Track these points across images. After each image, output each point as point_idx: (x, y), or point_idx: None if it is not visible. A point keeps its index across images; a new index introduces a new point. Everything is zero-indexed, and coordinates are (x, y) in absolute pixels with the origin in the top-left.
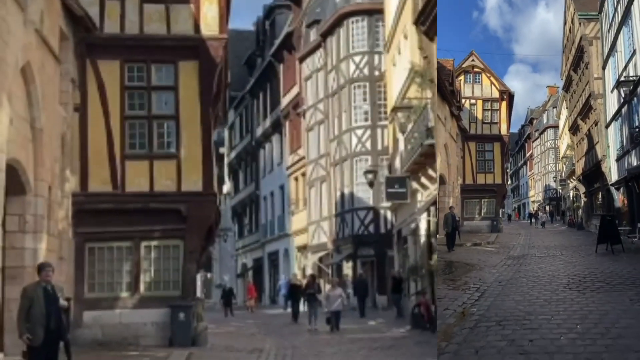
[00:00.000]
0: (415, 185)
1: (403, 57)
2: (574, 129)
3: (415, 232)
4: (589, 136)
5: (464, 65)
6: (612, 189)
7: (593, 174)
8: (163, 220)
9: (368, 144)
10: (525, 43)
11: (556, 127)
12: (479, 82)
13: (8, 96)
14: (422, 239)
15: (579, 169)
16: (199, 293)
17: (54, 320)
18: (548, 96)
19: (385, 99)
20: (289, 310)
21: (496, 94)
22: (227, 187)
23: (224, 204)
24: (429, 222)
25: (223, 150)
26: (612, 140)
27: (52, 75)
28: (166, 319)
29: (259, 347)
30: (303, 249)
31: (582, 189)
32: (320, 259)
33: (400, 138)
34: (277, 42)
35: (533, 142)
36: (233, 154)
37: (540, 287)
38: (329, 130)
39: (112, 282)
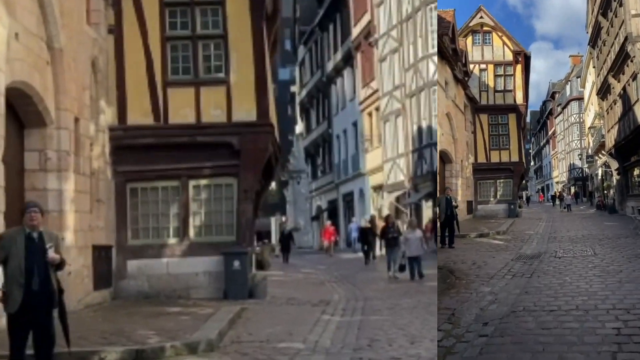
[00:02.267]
0: None
1: None
2: (603, 91)
3: None
4: (625, 96)
5: (471, 24)
6: None
7: (630, 145)
8: (213, 156)
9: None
10: (546, 19)
11: (581, 99)
12: (489, 43)
13: (6, 3)
14: None
15: (611, 140)
16: (273, 239)
17: (37, 278)
18: (571, 67)
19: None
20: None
21: (509, 57)
22: (299, 127)
23: (296, 145)
24: None
25: (294, 88)
26: None
27: None
28: (220, 267)
29: (326, 298)
30: (379, 188)
31: (613, 165)
32: (397, 199)
33: None
34: None
35: (555, 117)
36: (304, 92)
37: (561, 342)
38: (403, 59)
39: (157, 227)
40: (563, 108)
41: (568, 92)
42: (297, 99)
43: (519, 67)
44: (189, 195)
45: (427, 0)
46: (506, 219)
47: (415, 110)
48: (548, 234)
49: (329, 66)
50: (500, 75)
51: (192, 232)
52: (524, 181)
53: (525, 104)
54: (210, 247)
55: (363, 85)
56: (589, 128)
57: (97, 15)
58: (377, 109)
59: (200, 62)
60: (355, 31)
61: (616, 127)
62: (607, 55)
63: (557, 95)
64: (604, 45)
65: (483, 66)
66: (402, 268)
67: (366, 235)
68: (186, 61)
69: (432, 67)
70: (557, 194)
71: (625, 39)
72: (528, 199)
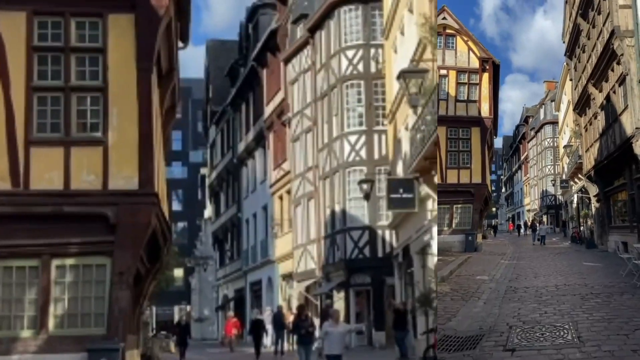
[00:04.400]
0: (426, 189)
1: (407, 36)
2: (581, 105)
3: (425, 250)
4: (608, 106)
5: None
6: None
7: (613, 165)
8: (83, 230)
9: (363, 152)
10: (523, 52)
11: (555, 122)
12: (452, 47)
13: None
14: (434, 258)
15: (589, 161)
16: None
17: None
18: (546, 92)
19: (383, 100)
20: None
21: (475, 63)
22: (208, 211)
23: (204, 229)
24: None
25: (204, 171)
26: None
27: None
28: None
29: None
30: (288, 277)
31: (592, 191)
32: (307, 289)
33: (404, 135)
34: (260, 43)
35: (528, 142)
36: (214, 175)
37: None
38: (317, 138)
39: (9, 316)
40: (536, 132)
41: (542, 116)
42: (207, 182)
43: (485, 76)
44: (50, 277)
45: (344, 77)
46: (460, 254)
47: (328, 192)
48: (507, 281)
49: (240, 147)
50: (463, 83)
51: (51, 323)
52: (494, 209)
53: (491, 117)
54: (73, 341)
55: (274, 167)
56: (564, 147)
57: None
58: (289, 191)
59: (72, 117)
60: (268, 110)
61: (596, 145)
62: (588, 62)
63: (530, 119)
64: (583, 51)
65: (443, 72)
66: None
67: (257, 329)
68: (56, 116)
69: (347, 147)
70: (529, 222)
71: (612, 34)
72: (495, 228)
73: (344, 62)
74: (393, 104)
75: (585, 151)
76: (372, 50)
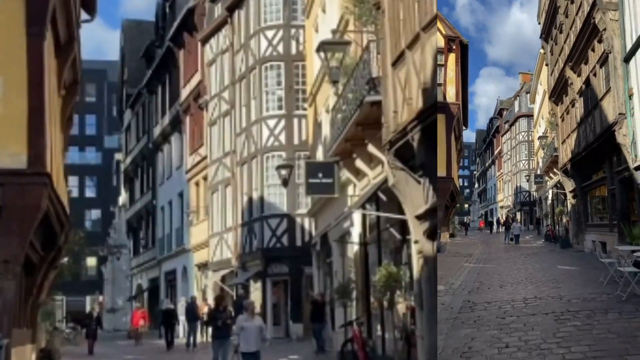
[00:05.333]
0: (346, 173)
1: (328, 13)
2: (557, 92)
3: (344, 238)
4: (587, 91)
5: None
6: None
7: (591, 158)
8: None
9: (282, 137)
10: (498, 45)
11: (530, 115)
12: None
13: None
14: (355, 247)
15: (566, 154)
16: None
17: None
18: (521, 84)
19: (304, 83)
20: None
21: (440, 42)
22: (122, 198)
23: (118, 217)
24: (365, 223)
25: (119, 156)
26: (638, 82)
27: None
28: None
29: None
30: (204, 266)
31: (568, 186)
32: (223, 279)
33: (325, 119)
34: (176, 23)
35: (502, 136)
36: (129, 160)
37: None
38: (235, 122)
39: None
40: (511, 125)
41: (517, 108)
42: (122, 167)
43: (452, 57)
44: None
45: (263, 59)
46: None
47: (246, 179)
48: (466, 293)
49: (156, 131)
50: None
51: None
52: (466, 205)
53: (458, 103)
54: None
55: (191, 152)
56: (539, 138)
57: None
58: (205, 178)
59: None
60: (185, 92)
61: (573, 136)
62: (565, 42)
63: (504, 112)
64: (560, 32)
65: None
66: None
67: (169, 320)
68: None
69: (265, 132)
70: (502, 220)
71: (592, 6)
72: (466, 225)
73: (264, 43)
74: (313, 86)
75: (562, 143)
76: (293, 31)
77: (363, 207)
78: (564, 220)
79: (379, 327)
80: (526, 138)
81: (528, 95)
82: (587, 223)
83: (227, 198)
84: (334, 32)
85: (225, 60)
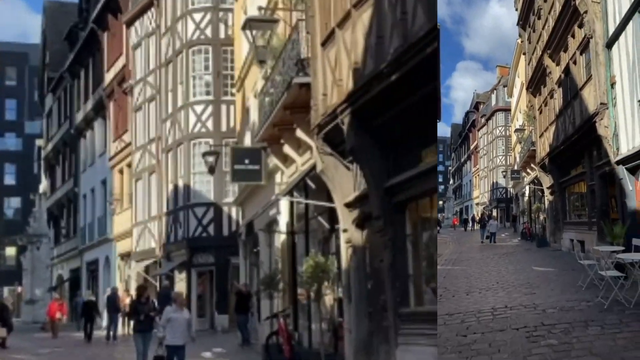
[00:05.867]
0: (274, 160)
1: None
2: (535, 82)
3: (271, 227)
4: (567, 81)
5: None
6: (623, 170)
7: (570, 151)
8: None
9: (209, 124)
10: (476, 38)
11: (507, 110)
12: None
13: None
14: (282, 237)
15: (543, 148)
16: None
17: None
18: (498, 77)
19: (232, 68)
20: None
21: None
22: (43, 186)
23: (39, 205)
24: (292, 211)
25: (40, 143)
26: (621, 69)
27: None
28: None
29: None
30: (127, 256)
31: (545, 182)
32: (147, 269)
33: (253, 104)
34: (100, 4)
35: (478, 130)
36: (50, 147)
37: None
38: (160, 108)
39: None
40: (487, 119)
41: (494, 102)
42: (43, 154)
43: None
44: None
45: (190, 43)
46: None
47: (171, 166)
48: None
49: (79, 117)
50: None
51: None
52: (440, 202)
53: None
54: None
55: (115, 138)
56: (515, 131)
57: None
58: (129, 165)
59: None
60: (109, 77)
61: (552, 129)
62: (543, 28)
63: (481, 106)
64: (539, 17)
65: None
66: None
67: (89, 311)
68: None
69: (192, 118)
70: (478, 217)
71: None
72: (439, 223)
73: (191, 26)
74: (242, 71)
75: (539, 136)
76: (221, 14)
77: (290, 194)
78: (541, 217)
79: (306, 320)
80: (503, 133)
81: (505, 88)
82: (565, 221)
83: (152, 186)
84: (261, 9)
85: (151, 44)
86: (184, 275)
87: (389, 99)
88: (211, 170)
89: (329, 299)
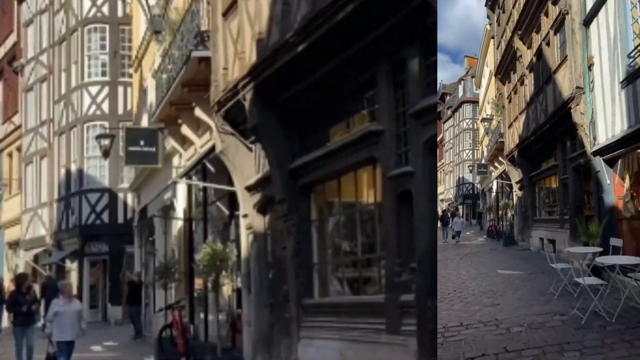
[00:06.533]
0: (171, 142)
1: None
2: (504, 68)
3: (167, 212)
4: (539, 65)
5: None
6: (601, 162)
7: (542, 142)
8: None
9: (105, 106)
10: (445, 29)
11: (475, 102)
12: None
13: None
14: (179, 224)
15: (512, 139)
16: None
17: None
18: (466, 68)
19: (130, 48)
20: None
21: None
22: None
23: None
24: (190, 196)
25: None
26: (601, 48)
27: None
28: None
29: None
30: (15, 244)
31: (514, 176)
32: (36, 258)
33: (151, 84)
34: None
35: (444, 122)
36: None
37: None
38: (53, 88)
39: None
40: (454, 111)
41: (461, 93)
42: None
43: None
44: None
45: (86, 20)
46: None
47: (64, 150)
48: None
49: None
50: None
51: None
52: None
53: None
54: None
55: (4, 120)
56: (482, 120)
57: None
58: (19, 148)
59: None
60: None
61: (522, 118)
62: (514, 6)
63: (447, 97)
64: None
65: None
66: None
67: None
68: None
69: (87, 99)
70: (442, 213)
71: None
72: None
73: (87, 3)
74: (139, 50)
75: (508, 127)
76: None
77: (188, 177)
78: (509, 214)
79: (202, 311)
80: (471, 126)
81: (473, 79)
82: (534, 218)
83: (43, 171)
84: None
85: (43, 21)
86: (75, 264)
87: (294, 72)
88: (105, 154)
89: (227, 289)
